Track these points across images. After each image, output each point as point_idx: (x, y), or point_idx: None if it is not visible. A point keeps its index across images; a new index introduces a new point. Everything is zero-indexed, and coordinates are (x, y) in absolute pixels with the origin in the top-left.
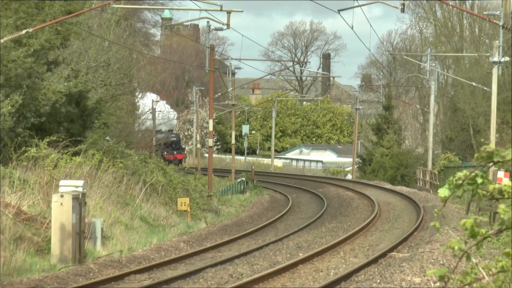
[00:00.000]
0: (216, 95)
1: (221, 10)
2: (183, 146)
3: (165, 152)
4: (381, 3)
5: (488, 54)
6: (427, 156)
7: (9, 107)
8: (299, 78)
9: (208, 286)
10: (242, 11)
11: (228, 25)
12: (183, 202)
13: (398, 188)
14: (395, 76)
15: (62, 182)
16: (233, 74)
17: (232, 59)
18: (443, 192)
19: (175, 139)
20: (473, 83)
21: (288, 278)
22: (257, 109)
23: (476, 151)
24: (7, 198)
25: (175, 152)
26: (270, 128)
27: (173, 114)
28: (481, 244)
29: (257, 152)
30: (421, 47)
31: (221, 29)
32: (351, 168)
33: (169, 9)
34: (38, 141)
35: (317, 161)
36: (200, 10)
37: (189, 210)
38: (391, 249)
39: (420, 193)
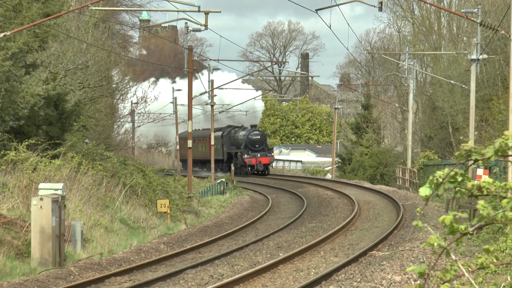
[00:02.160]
0: (195, 96)
1: (199, 11)
2: (270, 147)
3: (245, 155)
4: (359, 2)
5: (466, 51)
6: (406, 155)
7: None
8: (277, 78)
9: (188, 287)
10: (220, 12)
11: (206, 25)
12: (163, 204)
13: (378, 187)
14: (374, 75)
15: (41, 185)
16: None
17: (210, 60)
18: (424, 191)
19: (258, 137)
20: (452, 81)
21: (268, 278)
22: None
23: (455, 149)
24: None
25: (258, 155)
26: None
27: (262, 104)
28: (461, 240)
29: None
30: (400, 45)
31: (199, 30)
32: (330, 167)
33: (147, 10)
34: (17, 144)
35: (296, 161)
36: (178, 11)
37: (169, 211)
38: (371, 248)
39: (399, 192)
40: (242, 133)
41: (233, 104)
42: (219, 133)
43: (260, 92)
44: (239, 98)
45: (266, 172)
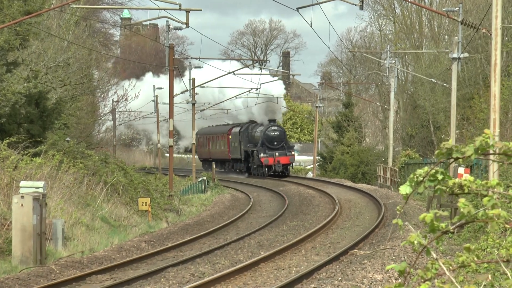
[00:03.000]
0: (176, 95)
1: (180, 9)
2: (290, 144)
3: (262, 154)
4: (340, 0)
5: (447, 50)
6: (388, 153)
7: None
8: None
9: (169, 285)
10: (201, 10)
11: (187, 24)
12: (144, 202)
13: (359, 185)
14: (355, 73)
15: (22, 183)
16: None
17: (191, 58)
18: (405, 189)
19: (277, 133)
20: (433, 80)
21: (249, 277)
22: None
23: (437, 148)
24: None
25: (276, 154)
26: None
27: (280, 90)
28: (442, 238)
29: None
30: (381, 44)
31: (180, 28)
32: (311, 166)
33: (128, 8)
34: None
35: None
36: (159, 9)
37: (150, 210)
38: (353, 247)
39: (381, 190)
40: (259, 129)
41: (225, 97)
42: (237, 129)
43: (275, 78)
44: (232, 91)
45: (286, 174)
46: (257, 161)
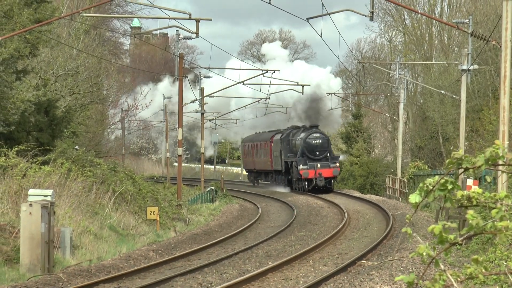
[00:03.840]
0: (185, 104)
1: (190, 18)
2: (335, 154)
3: (301, 166)
4: (350, 11)
5: (457, 62)
6: (397, 164)
7: None
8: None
9: None
10: (211, 20)
11: (197, 33)
12: (152, 211)
13: (368, 196)
14: (364, 84)
15: (31, 191)
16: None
17: (201, 68)
18: (414, 198)
19: (319, 141)
20: (442, 91)
21: (257, 287)
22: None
23: (446, 159)
24: None
25: (318, 165)
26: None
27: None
28: (450, 250)
29: (227, 161)
30: (390, 55)
31: (190, 38)
32: None
33: (138, 17)
34: (7, 150)
35: None
36: (169, 18)
37: (158, 219)
38: (361, 257)
39: (389, 201)
40: (300, 135)
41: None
42: (278, 137)
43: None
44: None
45: (330, 189)
46: (296, 174)
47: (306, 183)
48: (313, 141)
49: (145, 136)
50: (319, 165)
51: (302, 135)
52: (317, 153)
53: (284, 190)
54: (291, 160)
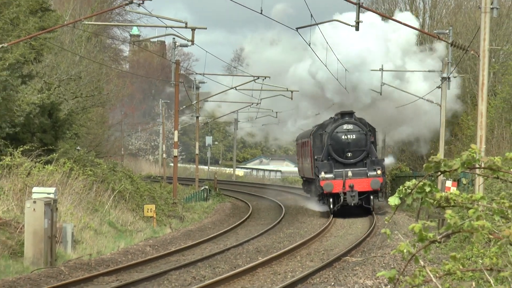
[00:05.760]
0: (181, 108)
1: (186, 27)
2: (377, 157)
3: (322, 174)
4: (337, 22)
5: (437, 70)
6: None
7: None
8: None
9: (172, 287)
10: (206, 28)
11: (192, 41)
12: (149, 209)
13: None
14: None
15: (35, 189)
16: (197, 88)
17: (196, 74)
18: (393, 200)
19: (353, 136)
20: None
21: (247, 281)
22: (220, 121)
23: (426, 162)
24: None
25: (349, 173)
26: (232, 139)
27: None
28: (429, 247)
29: (220, 162)
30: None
31: (186, 45)
32: None
33: (137, 26)
34: (12, 150)
35: (276, 171)
36: (166, 27)
37: (155, 216)
38: (345, 254)
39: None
40: (327, 128)
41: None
42: (309, 132)
43: None
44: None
45: (370, 209)
46: (318, 186)
47: (330, 199)
48: (343, 136)
49: (143, 138)
50: (350, 173)
51: (329, 127)
52: (349, 154)
53: (318, 209)
54: (316, 165)
